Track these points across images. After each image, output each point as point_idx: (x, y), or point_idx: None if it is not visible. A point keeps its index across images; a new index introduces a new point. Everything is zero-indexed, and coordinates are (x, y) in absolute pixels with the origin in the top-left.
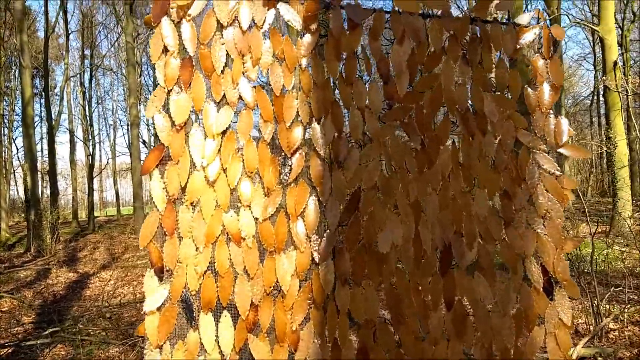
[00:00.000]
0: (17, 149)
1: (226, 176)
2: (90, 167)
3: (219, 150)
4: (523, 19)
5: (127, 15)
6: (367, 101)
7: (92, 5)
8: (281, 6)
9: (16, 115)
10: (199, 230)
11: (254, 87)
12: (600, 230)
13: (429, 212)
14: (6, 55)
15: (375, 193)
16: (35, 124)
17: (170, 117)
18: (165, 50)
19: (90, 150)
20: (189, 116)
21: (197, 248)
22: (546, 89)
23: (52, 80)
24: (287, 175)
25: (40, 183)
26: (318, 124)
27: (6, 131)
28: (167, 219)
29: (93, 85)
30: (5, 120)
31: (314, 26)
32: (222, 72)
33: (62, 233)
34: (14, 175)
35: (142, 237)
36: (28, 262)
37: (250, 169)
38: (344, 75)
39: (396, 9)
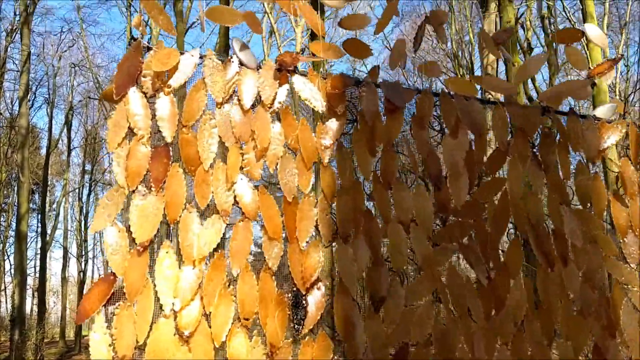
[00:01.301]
0: (11, 265)
1: (209, 327)
2: (81, 283)
3: (200, 285)
4: (603, 111)
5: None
6: (413, 213)
7: (97, 123)
8: (297, 80)
9: (12, 230)
10: None
11: (256, 187)
12: None
13: None
14: (7, 172)
15: (429, 350)
16: (32, 240)
17: (128, 231)
18: (131, 133)
19: (83, 266)
20: (158, 230)
21: None
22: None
23: (52, 195)
24: (300, 323)
25: (30, 300)
26: (345, 243)
27: (0, 246)
28: None
29: (91, 199)
30: (1, 236)
31: (340, 108)
32: (212, 166)
33: (47, 354)
34: (5, 291)
35: None
36: None
37: (246, 314)
38: (379, 175)
39: (447, 90)
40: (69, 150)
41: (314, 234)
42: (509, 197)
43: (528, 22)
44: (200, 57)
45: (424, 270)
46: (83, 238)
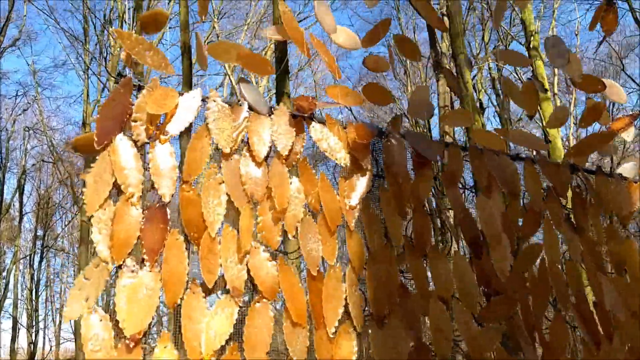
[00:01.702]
0: None
1: None
2: (32, 356)
3: None
4: (627, 169)
5: (83, 192)
6: (455, 287)
7: (50, 187)
8: (314, 128)
9: None
10: None
11: (274, 258)
12: None
13: None
14: None
15: None
16: None
17: (114, 320)
18: (119, 192)
19: (33, 337)
20: (153, 319)
21: None
22: None
23: (2, 263)
24: None
25: None
26: (380, 327)
27: None
28: None
29: (43, 266)
30: None
31: (366, 162)
32: (219, 233)
33: None
34: None
35: None
36: None
37: None
38: (412, 240)
39: (475, 144)
40: (21, 216)
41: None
42: (547, 265)
43: (479, 84)
44: (203, 100)
45: (471, 356)
46: (34, 307)
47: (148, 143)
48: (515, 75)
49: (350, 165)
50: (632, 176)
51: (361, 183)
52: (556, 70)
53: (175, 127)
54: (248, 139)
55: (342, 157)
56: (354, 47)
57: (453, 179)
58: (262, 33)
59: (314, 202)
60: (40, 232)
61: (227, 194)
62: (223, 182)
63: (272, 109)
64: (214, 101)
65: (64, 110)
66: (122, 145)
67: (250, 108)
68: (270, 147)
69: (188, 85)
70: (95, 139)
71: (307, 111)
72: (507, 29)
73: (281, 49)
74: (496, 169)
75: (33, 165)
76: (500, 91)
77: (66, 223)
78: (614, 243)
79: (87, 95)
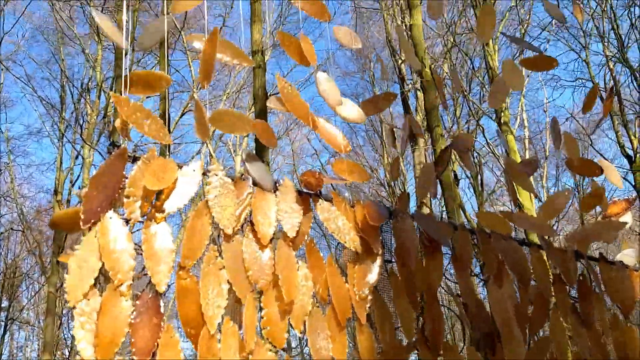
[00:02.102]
0: None
1: None
2: None
3: None
4: (628, 256)
5: (53, 265)
6: None
7: (18, 256)
8: (322, 206)
9: None
10: None
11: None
12: None
13: None
14: None
15: None
16: None
17: None
18: (106, 279)
19: None
20: None
21: None
22: None
23: None
24: None
25: None
26: None
27: None
28: None
29: (6, 339)
30: None
31: (377, 246)
32: (219, 327)
33: None
34: None
35: None
36: None
37: None
38: (425, 336)
39: (483, 228)
40: None
41: None
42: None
43: (453, 156)
44: (204, 174)
45: None
46: None
47: (142, 222)
48: (487, 148)
49: (359, 248)
50: (633, 264)
51: (372, 270)
52: (526, 143)
53: (173, 204)
54: (252, 217)
55: (352, 240)
56: (359, 120)
57: (463, 264)
58: (268, 103)
59: (321, 290)
60: (5, 303)
61: (228, 281)
62: (224, 267)
63: (277, 184)
64: (216, 175)
65: (36, 178)
66: (113, 224)
67: (254, 183)
68: (276, 227)
69: (164, 154)
70: (82, 216)
71: (314, 188)
72: (478, 104)
73: (262, 117)
74: (506, 254)
75: (1, 233)
76: (474, 162)
77: (32, 294)
78: (618, 333)
79: (61, 162)
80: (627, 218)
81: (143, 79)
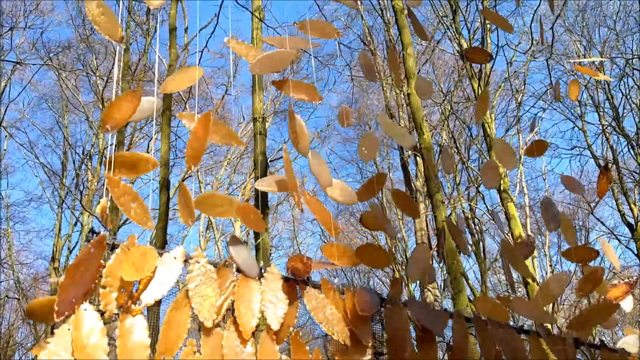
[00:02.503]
0: None
1: None
2: None
3: None
4: (629, 343)
5: (47, 335)
6: None
7: (12, 324)
8: (309, 294)
9: None
10: None
11: None
12: None
13: None
14: None
15: None
16: None
17: None
18: None
19: None
20: None
21: None
22: None
23: None
24: None
25: None
26: None
27: None
28: None
29: None
30: None
31: (366, 338)
32: None
33: None
34: None
35: None
36: None
37: None
38: None
39: (478, 314)
40: None
41: None
42: None
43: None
44: (186, 260)
45: None
46: None
47: (117, 314)
48: (487, 215)
49: (349, 340)
50: (635, 351)
51: None
52: (527, 211)
53: (151, 296)
54: (234, 308)
55: (340, 331)
56: (350, 201)
57: (459, 355)
58: (256, 186)
59: None
60: None
61: None
62: None
63: (262, 271)
64: (198, 262)
65: (34, 244)
66: (87, 317)
67: (238, 270)
68: (260, 319)
69: (164, 219)
70: (56, 307)
71: (302, 274)
72: (478, 172)
73: None
74: (504, 344)
75: None
76: (475, 230)
77: None
78: None
79: (59, 229)
80: (628, 302)
81: (128, 161)
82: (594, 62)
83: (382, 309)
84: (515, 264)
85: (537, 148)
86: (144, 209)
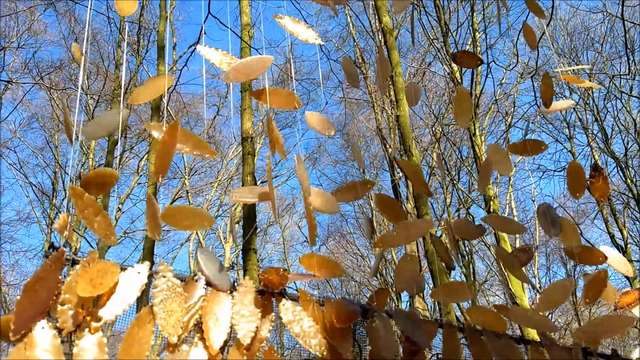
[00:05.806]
0: None
1: None
2: None
3: None
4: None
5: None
6: None
7: None
8: (285, 308)
9: None
10: None
11: None
12: None
13: None
14: None
15: None
16: None
17: None
18: None
19: None
20: None
21: None
22: None
23: None
24: None
25: None
26: None
27: None
28: None
29: None
30: None
31: (346, 352)
32: None
33: None
34: None
35: None
36: None
37: None
38: None
39: (473, 325)
40: None
41: None
42: None
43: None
44: (150, 276)
45: None
46: None
47: (75, 332)
48: (483, 246)
49: (327, 354)
50: None
51: None
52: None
53: (110, 312)
54: (202, 322)
55: (317, 345)
56: (332, 210)
57: None
58: (230, 196)
59: None
60: None
61: None
62: None
63: (235, 284)
64: (164, 277)
65: (22, 264)
66: (43, 336)
67: (209, 284)
68: (229, 334)
69: (151, 240)
70: (12, 326)
71: (277, 286)
72: (467, 192)
73: (250, 205)
74: (499, 354)
75: None
76: (465, 252)
77: None
78: None
79: (48, 249)
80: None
81: (94, 180)
82: (580, 69)
83: (365, 321)
84: (513, 272)
85: (532, 148)
86: (108, 223)
